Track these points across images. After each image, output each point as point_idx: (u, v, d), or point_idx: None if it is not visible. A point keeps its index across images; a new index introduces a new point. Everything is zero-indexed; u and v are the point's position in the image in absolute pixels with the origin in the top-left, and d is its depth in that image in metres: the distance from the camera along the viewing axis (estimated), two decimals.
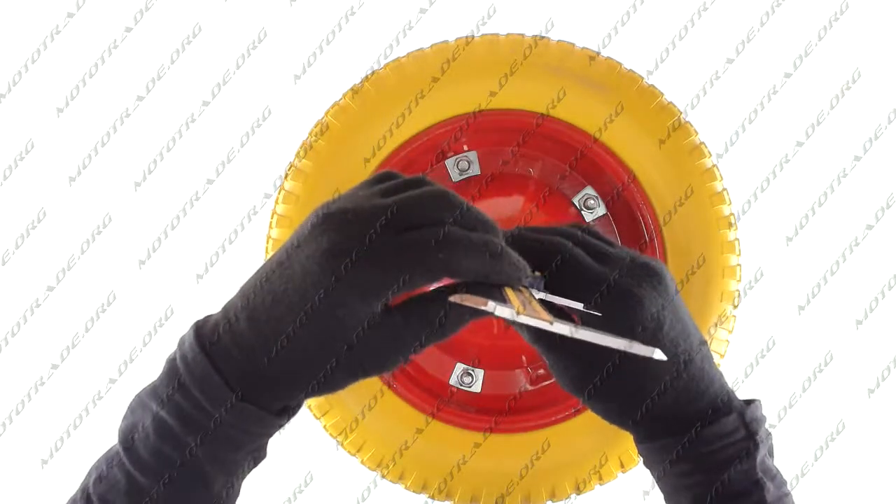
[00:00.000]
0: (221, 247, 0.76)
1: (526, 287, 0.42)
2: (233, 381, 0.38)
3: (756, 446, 0.46)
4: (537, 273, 0.46)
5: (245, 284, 0.41)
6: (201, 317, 0.41)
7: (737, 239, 0.65)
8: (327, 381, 0.39)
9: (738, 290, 0.65)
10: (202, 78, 0.80)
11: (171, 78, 0.80)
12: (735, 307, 0.65)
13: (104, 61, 0.80)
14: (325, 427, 0.65)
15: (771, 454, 0.49)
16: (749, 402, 0.48)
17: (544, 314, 0.38)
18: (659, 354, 0.37)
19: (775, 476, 0.48)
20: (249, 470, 0.43)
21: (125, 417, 0.41)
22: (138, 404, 0.41)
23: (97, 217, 0.80)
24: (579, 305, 0.45)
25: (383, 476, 0.65)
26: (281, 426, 0.41)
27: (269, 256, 0.41)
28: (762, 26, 0.79)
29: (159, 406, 0.39)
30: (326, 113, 0.65)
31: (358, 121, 0.64)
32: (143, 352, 0.78)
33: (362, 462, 0.65)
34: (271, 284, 0.38)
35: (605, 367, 0.46)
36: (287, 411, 0.41)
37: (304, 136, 0.65)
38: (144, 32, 0.81)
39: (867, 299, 0.80)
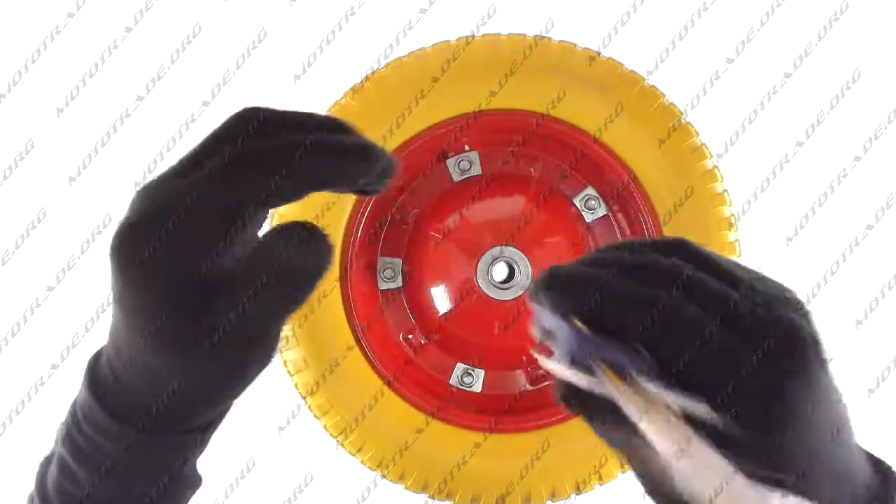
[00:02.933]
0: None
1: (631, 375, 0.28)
2: (124, 415, 0.34)
3: None
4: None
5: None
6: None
7: (737, 240, 0.65)
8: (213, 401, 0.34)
9: None
10: (202, 78, 0.80)
11: (171, 78, 0.80)
12: None
13: (104, 61, 0.80)
14: (325, 427, 0.65)
15: None
16: None
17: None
18: None
19: None
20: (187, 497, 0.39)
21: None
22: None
23: (97, 217, 0.80)
24: (703, 407, 0.27)
25: (383, 476, 0.65)
26: (203, 442, 0.37)
27: None
28: (762, 26, 0.79)
29: (59, 443, 0.37)
30: (327, 112, 0.65)
31: (359, 120, 0.64)
32: None
33: (362, 462, 0.65)
34: (114, 317, 0.34)
35: None
36: (209, 426, 0.36)
37: None
38: (144, 32, 0.81)
39: (867, 299, 0.80)
